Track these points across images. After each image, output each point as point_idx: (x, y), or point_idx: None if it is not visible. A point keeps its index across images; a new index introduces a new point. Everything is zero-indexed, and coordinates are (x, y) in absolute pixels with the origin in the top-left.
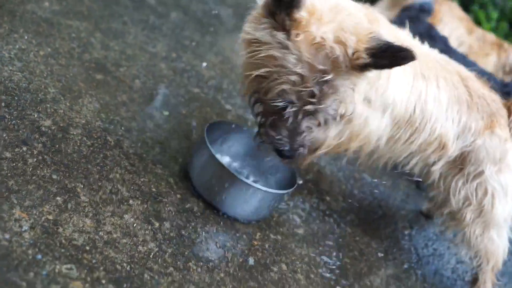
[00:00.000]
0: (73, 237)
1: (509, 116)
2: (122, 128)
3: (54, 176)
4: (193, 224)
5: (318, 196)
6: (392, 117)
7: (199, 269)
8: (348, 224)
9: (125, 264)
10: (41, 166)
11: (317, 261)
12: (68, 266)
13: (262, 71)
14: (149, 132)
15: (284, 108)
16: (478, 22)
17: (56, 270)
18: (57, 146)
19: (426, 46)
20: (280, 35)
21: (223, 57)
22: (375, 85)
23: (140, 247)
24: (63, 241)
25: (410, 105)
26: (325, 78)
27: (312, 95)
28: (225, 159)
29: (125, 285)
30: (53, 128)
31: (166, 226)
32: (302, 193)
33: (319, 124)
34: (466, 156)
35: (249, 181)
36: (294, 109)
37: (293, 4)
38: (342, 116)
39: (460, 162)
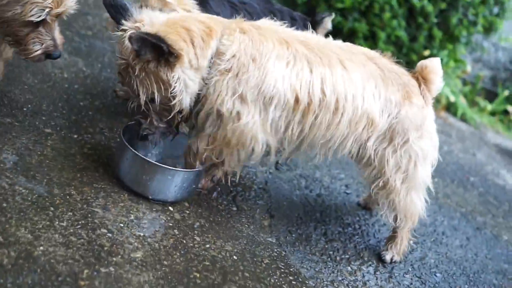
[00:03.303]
0: None
1: (419, 86)
2: None
3: None
4: None
5: (157, 208)
6: (281, 108)
7: None
8: (199, 233)
9: None
10: None
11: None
12: None
13: None
14: None
15: None
16: None
17: None
18: None
19: (322, 37)
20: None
21: (43, 74)
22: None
23: None
24: None
25: (313, 90)
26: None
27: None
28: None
29: None
30: None
31: None
32: (139, 210)
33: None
34: (394, 128)
35: None
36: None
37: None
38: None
39: (390, 135)
